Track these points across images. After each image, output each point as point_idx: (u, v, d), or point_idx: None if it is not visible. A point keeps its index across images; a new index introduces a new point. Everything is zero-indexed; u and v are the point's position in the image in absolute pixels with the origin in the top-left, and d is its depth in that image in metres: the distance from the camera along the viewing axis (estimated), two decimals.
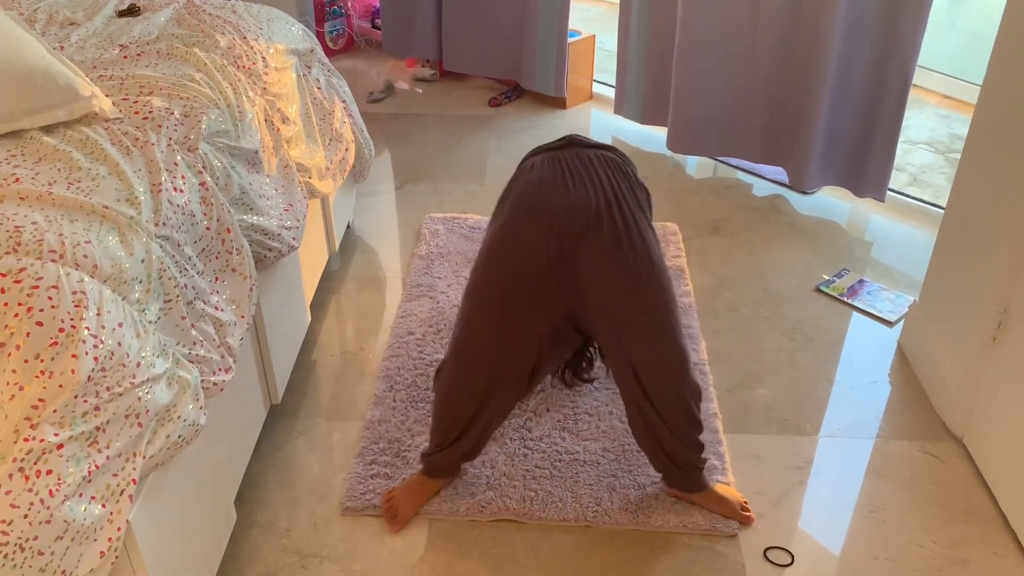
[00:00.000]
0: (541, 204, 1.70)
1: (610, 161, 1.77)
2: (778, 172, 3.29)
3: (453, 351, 1.80)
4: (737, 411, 2.20)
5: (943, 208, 2.27)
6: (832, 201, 3.15)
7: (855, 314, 2.56)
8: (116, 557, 1.27)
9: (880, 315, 2.55)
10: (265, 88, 2.05)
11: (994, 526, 1.90)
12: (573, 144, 1.81)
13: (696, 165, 3.41)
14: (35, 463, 1.17)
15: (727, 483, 1.96)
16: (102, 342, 1.25)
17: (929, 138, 3.73)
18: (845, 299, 2.61)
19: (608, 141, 3.58)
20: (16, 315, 1.19)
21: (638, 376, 1.74)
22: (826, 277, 2.72)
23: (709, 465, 1.98)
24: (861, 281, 2.69)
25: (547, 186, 1.71)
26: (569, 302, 1.78)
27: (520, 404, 2.16)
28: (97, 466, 1.24)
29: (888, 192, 3.03)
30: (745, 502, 1.91)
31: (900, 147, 3.48)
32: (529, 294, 1.73)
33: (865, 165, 2.98)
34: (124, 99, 1.72)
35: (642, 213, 1.74)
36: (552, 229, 1.68)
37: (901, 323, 2.52)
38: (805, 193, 3.19)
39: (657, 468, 1.88)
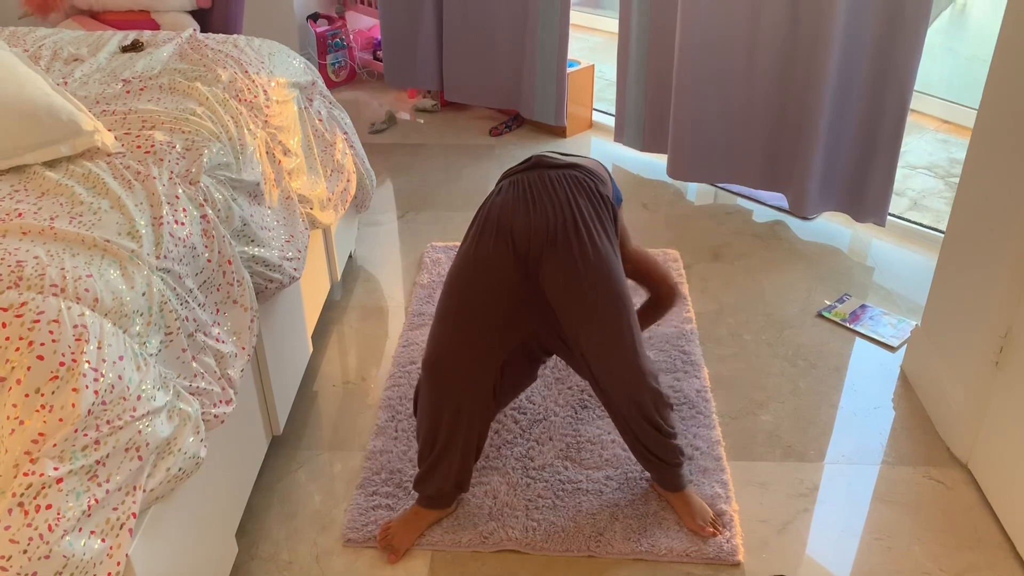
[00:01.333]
0: (504, 227, 1.76)
1: (572, 179, 1.81)
2: (778, 198, 3.30)
3: (423, 374, 1.85)
4: (741, 438, 2.19)
5: (943, 232, 2.27)
6: (833, 226, 3.16)
7: (857, 339, 2.56)
8: None
9: (882, 340, 2.55)
10: (267, 121, 2.07)
11: (1001, 552, 1.88)
12: (539, 165, 1.85)
13: (696, 192, 3.42)
14: (34, 498, 1.17)
15: (731, 511, 1.95)
16: (102, 375, 1.25)
17: (928, 163, 3.74)
18: (847, 324, 2.61)
19: (609, 168, 3.59)
20: (17, 349, 1.19)
21: (599, 384, 1.81)
22: (828, 303, 2.72)
23: (712, 493, 1.98)
24: (863, 306, 2.69)
25: (509, 209, 1.77)
26: (536, 321, 1.85)
27: (521, 432, 2.16)
28: (97, 500, 1.24)
29: (888, 217, 3.03)
30: (715, 519, 1.92)
31: (899, 172, 3.49)
32: (494, 315, 1.78)
33: (865, 190, 2.99)
34: (126, 133, 1.74)
35: (601, 228, 1.78)
36: (514, 251, 1.75)
37: (904, 348, 2.51)
38: (805, 219, 3.19)
39: (638, 459, 1.94)
